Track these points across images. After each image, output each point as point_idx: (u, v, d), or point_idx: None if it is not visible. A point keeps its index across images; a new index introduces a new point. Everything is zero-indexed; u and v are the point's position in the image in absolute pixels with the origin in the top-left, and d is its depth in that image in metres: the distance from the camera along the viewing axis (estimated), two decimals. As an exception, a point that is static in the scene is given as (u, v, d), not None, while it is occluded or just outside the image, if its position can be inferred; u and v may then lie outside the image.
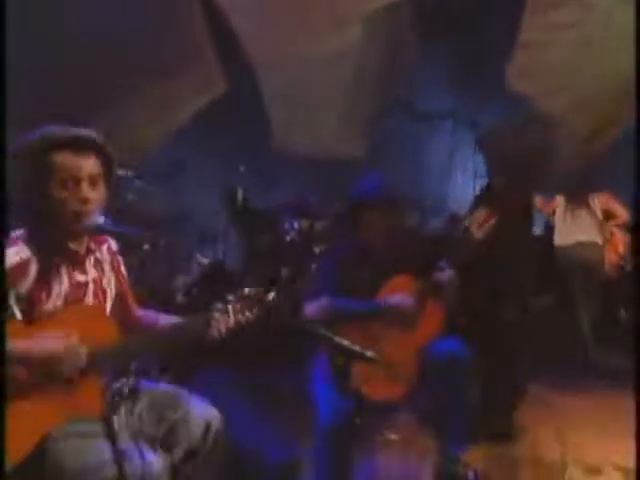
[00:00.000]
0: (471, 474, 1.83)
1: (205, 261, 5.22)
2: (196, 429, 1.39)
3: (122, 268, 1.66)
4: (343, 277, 1.79)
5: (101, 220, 1.37)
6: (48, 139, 1.37)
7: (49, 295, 1.30)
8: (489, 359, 2.43)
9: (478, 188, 6.12)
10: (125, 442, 1.22)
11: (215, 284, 4.52)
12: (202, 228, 5.93)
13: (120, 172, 3.48)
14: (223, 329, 1.41)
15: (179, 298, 4.67)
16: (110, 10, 4.21)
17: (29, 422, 1.16)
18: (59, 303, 1.32)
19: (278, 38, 5.40)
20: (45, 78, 4.34)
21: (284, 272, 4.25)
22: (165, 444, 1.37)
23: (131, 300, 1.68)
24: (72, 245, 1.42)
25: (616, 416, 2.82)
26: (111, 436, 1.14)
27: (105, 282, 1.49)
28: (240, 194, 5.30)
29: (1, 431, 1.07)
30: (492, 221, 1.87)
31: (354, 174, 5.77)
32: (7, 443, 1.09)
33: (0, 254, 1.20)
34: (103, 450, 1.16)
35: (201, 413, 1.43)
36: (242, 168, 5.71)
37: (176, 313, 1.82)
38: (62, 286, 1.34)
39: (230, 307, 1.44)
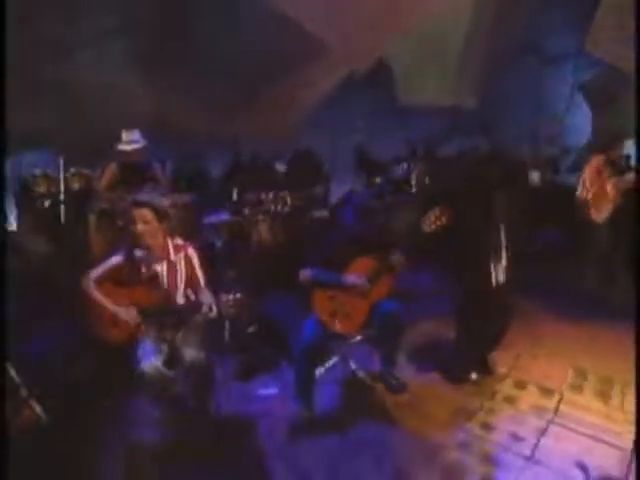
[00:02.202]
0: (398, 382, 2.67)
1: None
2: None
3: (194, 263, 2.33)
4: (335, 251, 2.57)
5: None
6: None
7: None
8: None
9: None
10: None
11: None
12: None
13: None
14: None
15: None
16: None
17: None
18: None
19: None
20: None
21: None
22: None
23: (197, 282, 2.33)
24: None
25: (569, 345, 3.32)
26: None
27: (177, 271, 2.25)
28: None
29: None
30: (443, 219, 2.31)
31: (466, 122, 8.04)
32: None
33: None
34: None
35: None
36: (361, 123, 7.49)
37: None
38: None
39: None
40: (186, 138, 7.84)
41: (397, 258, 2.37)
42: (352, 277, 2.41)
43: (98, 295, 2.10)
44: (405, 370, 3.02)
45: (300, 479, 2.11)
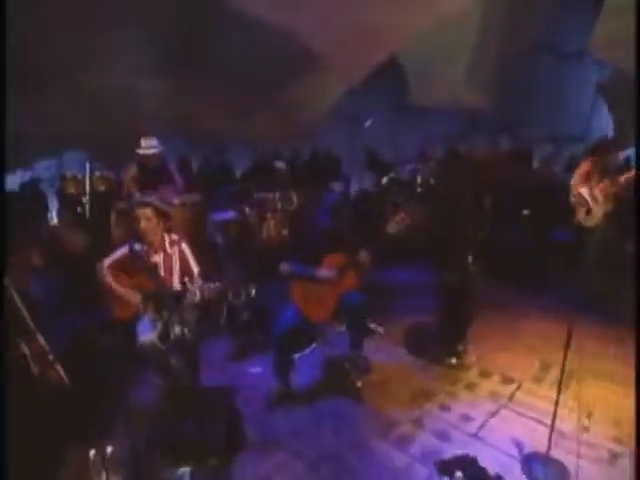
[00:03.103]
0: (364, 364, 2.98)
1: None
2: None
3: (187, 255, 2.74)
4: (311, 247, 2.89)
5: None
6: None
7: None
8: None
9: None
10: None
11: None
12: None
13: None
14: None
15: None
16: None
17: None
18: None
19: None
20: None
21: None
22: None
23: (191, 271, 2.74)
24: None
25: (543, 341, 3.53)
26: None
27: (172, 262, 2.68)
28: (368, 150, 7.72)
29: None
30: (406, 221, 2.62)
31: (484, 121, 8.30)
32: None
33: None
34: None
35: None
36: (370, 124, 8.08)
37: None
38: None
39: None
40: (210, 138, 8.38)
41: (363, 255, 2.69)
42: (323, 271, 2.74)
43: (109, 279, 2.55)
44: (380, 354, 3.36)
45: (269, 440, 2.49)
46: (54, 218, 6.29)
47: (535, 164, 7.17)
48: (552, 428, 2.19)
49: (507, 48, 7.04)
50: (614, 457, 2.31)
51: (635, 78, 4.52)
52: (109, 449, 2.20)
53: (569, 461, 2.27)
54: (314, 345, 3.22)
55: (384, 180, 6.46)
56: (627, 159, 4.95)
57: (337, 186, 8.15)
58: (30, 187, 6.78)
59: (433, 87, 7.43)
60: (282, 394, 2.80)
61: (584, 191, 4.25)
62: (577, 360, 3.21)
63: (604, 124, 8.32)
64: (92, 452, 2.17)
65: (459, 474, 1.98)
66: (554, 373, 3.11)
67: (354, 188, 8.15)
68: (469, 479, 1.99)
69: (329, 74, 6.18)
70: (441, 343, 3.39)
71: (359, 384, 2.93)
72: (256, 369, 3.15)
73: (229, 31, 5.29)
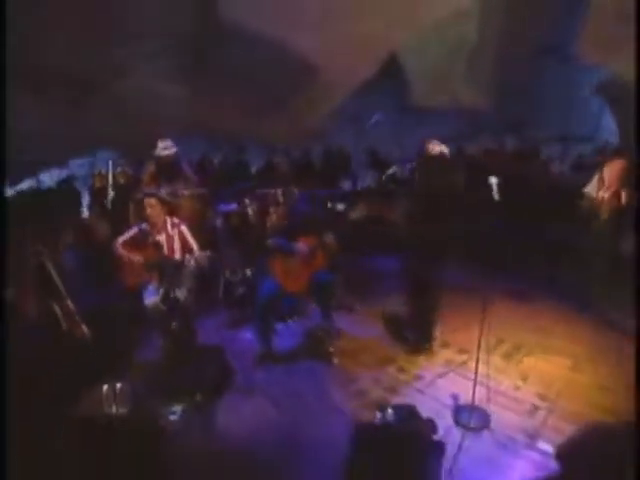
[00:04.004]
0: (334, 330, 3.47)
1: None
2: None
3: (186, 235, 3.29)
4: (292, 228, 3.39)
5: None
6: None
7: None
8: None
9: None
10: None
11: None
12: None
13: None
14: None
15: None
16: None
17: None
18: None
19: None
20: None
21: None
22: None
23: (190, 247, 3.29)
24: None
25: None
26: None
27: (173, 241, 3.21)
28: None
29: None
30: (364, 211, 3.10)
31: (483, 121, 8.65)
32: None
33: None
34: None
35: None
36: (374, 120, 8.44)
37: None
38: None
39: None
40: (228, 138, 9.03)
41: (329, 237, 3.16)
42: (300, 245, 3.24)
43: (122, 252, 3.13)
44: (356, 328, 3.83)
45: (254, 388, 3.01)
46: (85, 212, 7.04)
47: (541, 163, 7.35)
48: (475, 382, 2.62)
49: (507, 49, 7.29)
50: (535, 409, 2.71)
51: (635, 81, 4.67)
52: (118, 385, 2.79)
53: (498, 412, 2.69)
54: (295, 318, 3.73)
55: (384, 177, 6.88)
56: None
57: (346, 184, 8.64)
58: (65, 184, 7.59)
59: (434, 87, 7.76)
60: (264, 355, 3.32)
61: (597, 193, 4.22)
62: (533, 337, 3.62)
63: (613, 124, 8.43)
64: (105, 387, 2.75)
65: (390, 411, 2.43)
66: (505, 347, 3.49)
67: (361, 185, 8.62)
68: (399, 416, 2.44)
69: (326, 84, 6.66)
70: (415, 330, 3.76)
71: (331, 349, 3.42)
72: (246, 335, 3.68)
73: (232, 43, 5.86)
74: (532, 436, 2.47)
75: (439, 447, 2.24)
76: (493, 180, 2.79)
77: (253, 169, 8.62)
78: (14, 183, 7.80)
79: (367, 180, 8.13)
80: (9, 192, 6.98)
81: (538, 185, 6.13)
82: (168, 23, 6.06)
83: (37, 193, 7.60)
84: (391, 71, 7.65)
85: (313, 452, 2.43)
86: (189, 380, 2.94)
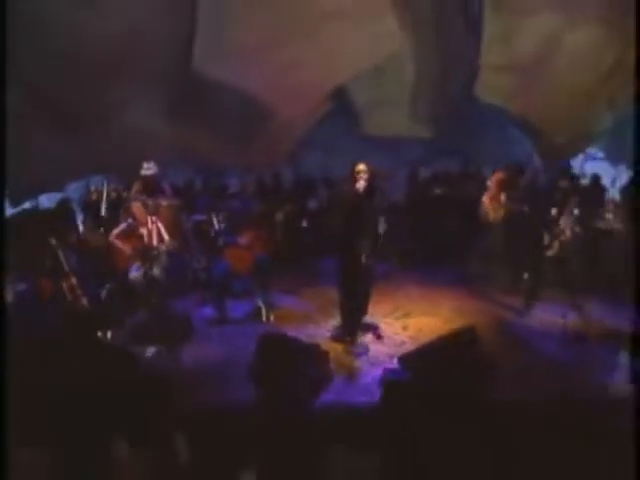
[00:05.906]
0: (269, 304, 4.59)
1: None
2: None
3: (162, 230, 4.36)
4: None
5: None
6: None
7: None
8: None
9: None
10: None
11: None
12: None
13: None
14: None
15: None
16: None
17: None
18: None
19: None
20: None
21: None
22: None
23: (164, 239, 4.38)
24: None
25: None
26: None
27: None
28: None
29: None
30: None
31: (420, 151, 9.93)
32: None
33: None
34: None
35: None
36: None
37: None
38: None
39: None
40: (209, 164, 10.32)
41: (263, 232, 4.38)
42: (242, 239, 4.49)
43: (115, 242, 4.30)
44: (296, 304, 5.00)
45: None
46: (81, 228, 8.17)
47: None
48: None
49: (444, 86, 8.68)
50: (402, 344, 3.89)
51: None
52: (109, 334, 3.92)
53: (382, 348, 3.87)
54: (245, 297, 4.88)
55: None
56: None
57: (313, 203, 9.87)
58: (62, 205, 8.75)
59: (383, 119, 9.09)
60: (219, 320, 4.46)
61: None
62: (421, 307, 4.84)
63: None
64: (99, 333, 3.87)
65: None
66: (398, 313, 4.73)
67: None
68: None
69: (286, 122, 8.04)
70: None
71: (271, 317, 4.57)
72: (208, 309, 4.82)
73: (204, 89, 7.25)
74: (392, 356, 3.61)
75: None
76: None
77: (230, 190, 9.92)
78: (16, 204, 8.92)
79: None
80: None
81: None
82: (157, 70, 7.45)
83: (36, 212, 8.73)
84: (344, 105, 9.05)
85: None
86: (160, 334, 4.06)
